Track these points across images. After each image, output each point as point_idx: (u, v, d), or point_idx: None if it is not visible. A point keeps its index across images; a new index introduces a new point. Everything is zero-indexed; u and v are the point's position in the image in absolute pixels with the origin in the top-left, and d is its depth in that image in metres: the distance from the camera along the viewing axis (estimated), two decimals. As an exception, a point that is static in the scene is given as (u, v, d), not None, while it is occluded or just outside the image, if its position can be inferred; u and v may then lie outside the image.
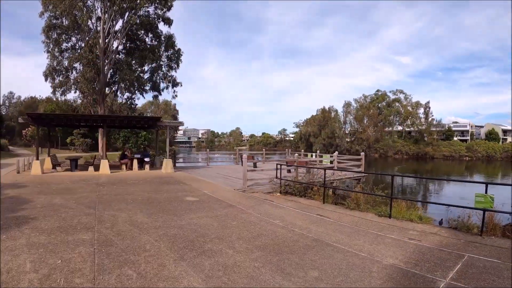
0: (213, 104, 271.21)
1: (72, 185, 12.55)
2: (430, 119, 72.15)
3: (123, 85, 27.90)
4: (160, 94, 30.99)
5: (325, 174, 11.21)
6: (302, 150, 29.56)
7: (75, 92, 27.21)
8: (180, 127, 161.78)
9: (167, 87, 30.31)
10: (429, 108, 72.56)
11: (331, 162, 20.23)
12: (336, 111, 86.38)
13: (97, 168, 17.15)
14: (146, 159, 19.38)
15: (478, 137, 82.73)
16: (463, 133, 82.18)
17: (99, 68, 25.30)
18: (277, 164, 13.44)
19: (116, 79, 28.15)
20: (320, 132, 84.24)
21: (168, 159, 18.31)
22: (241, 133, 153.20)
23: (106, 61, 25.77)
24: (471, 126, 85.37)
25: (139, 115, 23.70)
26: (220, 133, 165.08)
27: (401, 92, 79.39)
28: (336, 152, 19.17)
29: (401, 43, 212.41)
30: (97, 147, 26.24)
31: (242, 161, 22.74)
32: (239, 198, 10.35)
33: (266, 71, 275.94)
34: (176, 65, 30.25)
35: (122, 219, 7.01)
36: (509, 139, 76.56)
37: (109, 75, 27.58)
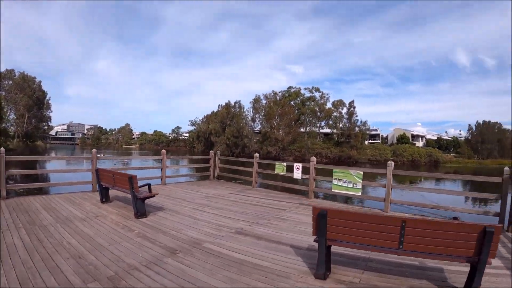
0: (104, 99, 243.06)
1: None
2: (353, 120, 63.99)
3: None
4: None
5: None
6: (219, 152, 13.98)
7: None
8: (64, 122, 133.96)
9: None
10: (354, 107, 64.26)
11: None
12: (241, 107, 73.65)
13: None
14: None
15: (386, 141, 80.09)
16: (374, 136, 77.99)
17: None
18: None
19: None
20: (223, 130, 69.82)
21: None
22: (131, 130, 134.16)
23: None
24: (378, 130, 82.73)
25: None
26: (108, 130, 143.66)
27: (317, 90, 70.53)
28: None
29: (293, 53, 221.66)
30: None
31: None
32: None
33: (160, 69, 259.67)
34: None
35: None
36: (417, 144, 74.90)
37: None
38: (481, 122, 74.55)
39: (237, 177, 13.21)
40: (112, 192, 8.06)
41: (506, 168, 6.11)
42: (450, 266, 4.05)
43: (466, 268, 3.67)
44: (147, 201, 7.00)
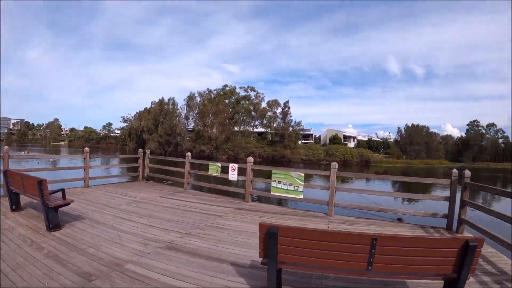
0: (33, 91, 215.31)
1: None
2: (287, 120, 64.75)
3: None
4: None
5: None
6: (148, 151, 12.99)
7: None
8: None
9: None
10: (288, 108, 64.99)
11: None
12: (175, 104, 71.19)
13: None
14: None
15: (319, 141, 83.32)
16: (307, 137, 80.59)
17: None
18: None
19: None
20: (156, 127, 66.81)
21: None
22: (60, 126, 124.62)
23: None
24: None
25: None
26: (36, 125, 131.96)
27: (252, 89, 70.26)
28: None
29: (230, 53, 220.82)
30: None
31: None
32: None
33: (93, 62, 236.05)
34: None
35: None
36: (349, 144, 79.00)
37: None
38: (410, 125, 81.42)
39: (168, 178, 12.08)
40: (26, 198, 6.49)
41: (455, 170, 6.06)
42: (414, 279, 3.60)
43: (431, 281, 3.25)
44: (64, 208, 5.72)
